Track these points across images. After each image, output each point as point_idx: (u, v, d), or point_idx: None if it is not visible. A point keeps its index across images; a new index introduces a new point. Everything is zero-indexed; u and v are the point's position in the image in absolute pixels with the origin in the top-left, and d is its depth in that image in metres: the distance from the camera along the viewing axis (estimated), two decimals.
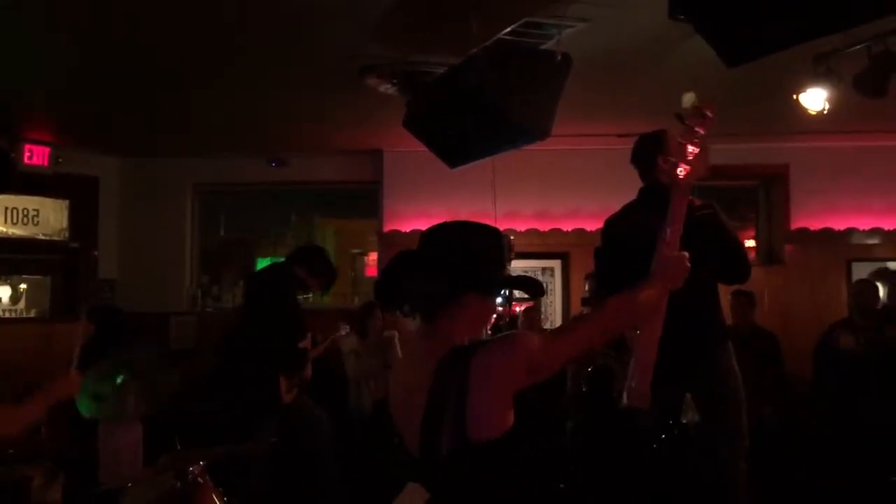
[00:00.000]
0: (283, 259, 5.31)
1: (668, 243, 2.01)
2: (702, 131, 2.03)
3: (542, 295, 1.94)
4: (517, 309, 6.49)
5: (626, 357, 2.17)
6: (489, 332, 4.84)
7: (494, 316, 2.00)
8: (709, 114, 2.04)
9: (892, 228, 7.14)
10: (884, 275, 5.68)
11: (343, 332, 6.18)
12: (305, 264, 4.93)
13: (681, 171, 2.05)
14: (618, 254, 3.59)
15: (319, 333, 5.97)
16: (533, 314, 6.19)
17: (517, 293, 6.87)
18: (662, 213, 3.44)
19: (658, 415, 2.11)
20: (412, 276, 1.87)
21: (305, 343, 5.04)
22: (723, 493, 3.33)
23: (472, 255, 1.88)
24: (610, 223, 3.67)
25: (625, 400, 2.08)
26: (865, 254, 7.01)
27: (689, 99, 2.09)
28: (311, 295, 5.69)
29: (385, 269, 1.90)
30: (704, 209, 3.36)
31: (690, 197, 3.47)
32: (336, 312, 6.45)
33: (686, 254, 2.01)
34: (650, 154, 3.48)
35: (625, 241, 3.52)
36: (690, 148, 2.03)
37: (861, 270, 6.55)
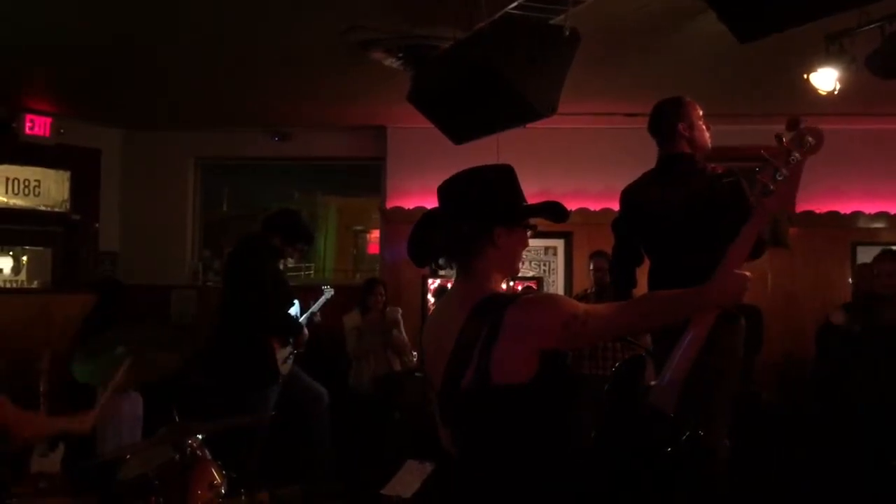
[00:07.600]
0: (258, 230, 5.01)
1: (730, 261, 1.91)
2: (799, 157, 1.92)
3: (566, 219, 1.93)
4: (518, 287, 6.46)
5: (662, 355, 2.08)
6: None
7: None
8: (810, 140, 1.89)
9: None
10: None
11: (326, 297, 6.05)
12: (279, 232, 4.82)
13: (767, 192, 1.92)
14: (638, 227, 3.52)
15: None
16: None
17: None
18: (683, 184, 3.37)
19: (677, 424, 2.03)
20: (439, 226, 1.92)
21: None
22: (699, 471, 3.26)
23: (489, 190, 1.91)
24: (629, 192, 3.57)
25: (651, 396, 2.01)
26: (870, 237, 6.99)
27: (793, 122, 1.96)
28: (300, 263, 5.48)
29: (413, 227, 1.96)
30: (727, 176, 3.24)
31: (712, 165, 3.41)
32: (338, 290, 6.39)
33: (748, 275, 1.92)
34: (671, 121, 3.39)
35: (645, 213, 3.45)
36: (783, 172, 1.90)
37: (866, 254, 6.52)
